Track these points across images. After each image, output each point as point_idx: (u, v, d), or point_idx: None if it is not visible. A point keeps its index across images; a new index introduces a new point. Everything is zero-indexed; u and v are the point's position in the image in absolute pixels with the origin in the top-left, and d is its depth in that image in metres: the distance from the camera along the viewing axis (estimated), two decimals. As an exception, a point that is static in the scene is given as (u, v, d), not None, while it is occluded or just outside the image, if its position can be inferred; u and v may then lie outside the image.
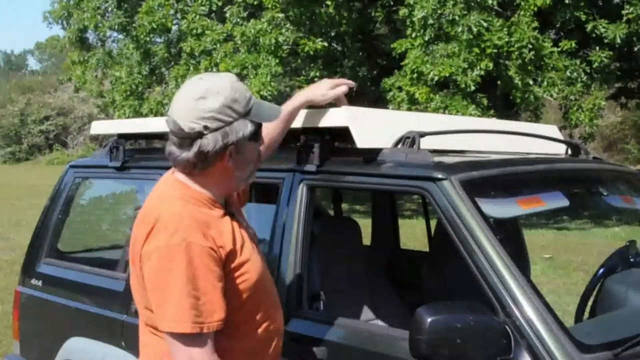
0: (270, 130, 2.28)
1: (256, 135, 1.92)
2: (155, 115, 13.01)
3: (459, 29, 10.46)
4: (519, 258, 2.46)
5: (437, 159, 2.29)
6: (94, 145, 32.33)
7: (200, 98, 1.83)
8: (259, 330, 1.95)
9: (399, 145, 2.36)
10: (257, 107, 1.91)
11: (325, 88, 2.43)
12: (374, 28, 15.44)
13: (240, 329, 1.90)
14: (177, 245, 1.75)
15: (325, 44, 12.60)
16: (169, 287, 1.75)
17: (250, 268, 1.91)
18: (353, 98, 2.89)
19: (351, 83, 2.49)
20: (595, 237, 10.70)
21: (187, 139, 1.83)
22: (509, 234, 2.85)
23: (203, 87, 1.86)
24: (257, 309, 1.94)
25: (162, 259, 1.76)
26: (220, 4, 13.03)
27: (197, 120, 1.82)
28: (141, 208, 1.94)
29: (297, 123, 2.43)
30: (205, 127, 1.82)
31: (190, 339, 1.75)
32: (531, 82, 11.13)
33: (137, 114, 13.53)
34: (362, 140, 2.36)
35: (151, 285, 1.79)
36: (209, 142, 1.82)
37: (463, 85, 10.57)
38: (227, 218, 1.93)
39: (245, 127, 1.86)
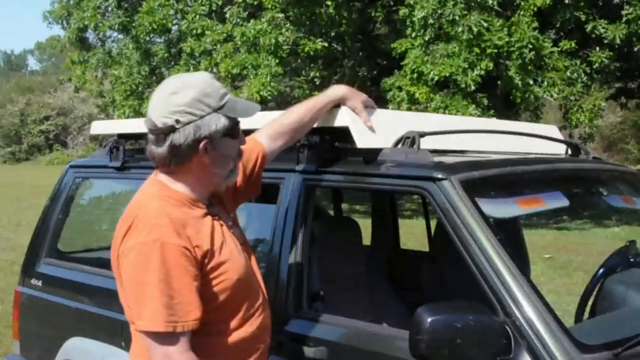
0: (301, 115, 2.33)
1: (232, 131, 1.91)
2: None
3: (459, 29, 10.46)
4: (519, 258, 2.45)
5: (437, 159, 2.29)
6: (94, 145, 32.35)
7: (172, 93, 1.87)
8: (244, 328, 1.96)
9: (399, 145, 2.36)
10: (232, 103, 1.91)
11: (361, 101, 2.42)
12: (374, 28, 15.44)
13: (223, 327, 1.92)
14: (152, 244, 1.77)
15: (326, 44, 12.60)
16: (144, 286, 1.77)
17: (230, 268, 1.91)
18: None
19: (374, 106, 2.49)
20: (595, 237, 10.70)
21: (162, 134, 1.86)
22: (509, 234, 2.85)
23: (176, 83, 1.90)
24: (239, 307, 1.95)
25: (138, 257, 1.78)
26: (220, 4, 13.03)
27: (169, 115, 1.85)
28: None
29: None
30: (177, 121, 1.84)
31: (164, 338, 1.77)
32: (531, 82, 11.13)
33: (137, 114, 13.53)
34: (362, 140, 2.36)
35: (127, 283, 1.81)
36: (181, 136, 1.85)
37: (463, 85, 10.56)
38: (209, 218, 1.93)
39: (218, 121, 1.87)
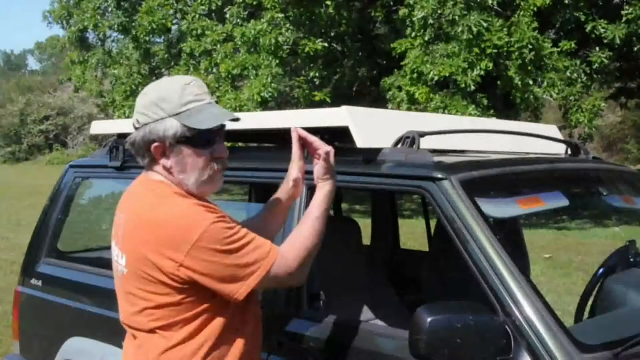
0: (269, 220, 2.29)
1: (192, 140, 1.88)
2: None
3: (459, 29, 10.47)
4: (519, 258, 2.45)
5: (437, 159, 2.29)
6: (94, 145, 32.34)
7: (143, 94, 1.97)
8: (252, 324, 2.00)
9: (399, 145, 2.36)
10: (193, 112, 1.88)
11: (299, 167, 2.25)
12: (374, 28, 15.45)
13: (244, 317, 1.96)
14: (206, 229, 1.81)
15: (326, 44, 12.60)
16: (231, 259, 1.82)
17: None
18: (353, 98, 2.88)
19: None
20: (595, 237, 10.70)
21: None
22: (509, 234, 2.85)
23: (151, 85, 1.99)
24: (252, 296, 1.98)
25: (207, 245, 1.80)
26: (220, 4, 13.03)
27: (136, 114, 1.95)
28: (128, 216, 1.96)
29: (297, 123, 2.43)
30: (137, 121, 1.93)
31: (276, 267, 1.88)
32: (531, 83, 11.14)
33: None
34: (362, 140, 2.36)
35: (215, 270, 1.83)
36: (138, 135, 1.93)
37: (463, 86, 10.57)
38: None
39: (171, 128, 1.87)
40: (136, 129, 1.93)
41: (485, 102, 11.20)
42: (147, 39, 13.97)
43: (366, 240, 3.72)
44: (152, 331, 1.91)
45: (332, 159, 2.08)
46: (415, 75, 10.98)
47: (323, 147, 2.07)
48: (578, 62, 11.57)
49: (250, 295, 1.89)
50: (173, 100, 1.89)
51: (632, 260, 3.04)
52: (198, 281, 1.83)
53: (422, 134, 2.33)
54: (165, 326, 1.89)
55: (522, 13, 11.09)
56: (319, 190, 2.08)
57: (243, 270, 1.84)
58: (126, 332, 2.04)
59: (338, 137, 2.45)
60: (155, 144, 1.89)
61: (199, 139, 1.90)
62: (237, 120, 1.96)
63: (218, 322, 1.90)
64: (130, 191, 2.03)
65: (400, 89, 11.44)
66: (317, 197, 2.07)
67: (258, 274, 1.85)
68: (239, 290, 1.85)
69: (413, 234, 7.25)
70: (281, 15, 12.26)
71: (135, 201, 1.97)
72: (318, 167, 2.08)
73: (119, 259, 1.99)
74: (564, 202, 2.41)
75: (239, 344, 1.94)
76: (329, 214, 2.08)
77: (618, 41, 11.33)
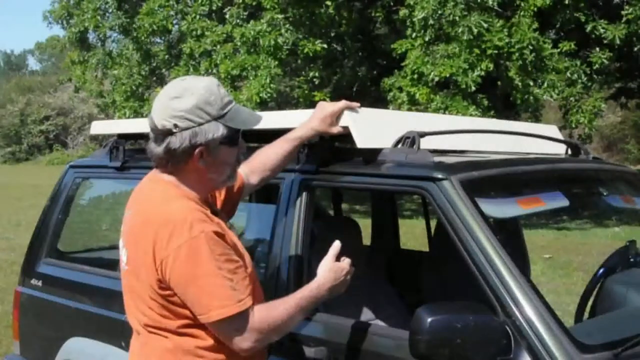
0: (270, 157, 2.32)
1: (231, 139, 1.93)
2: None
3: (459, 30, 10.46)
4: (519, 258, 2.46)
5: (437, 159, 2.29)
6: (94, 145, 32.36)
7: (175, 97, 1.90)
8: None
9: (399, 145, 2.36)
10: (233, 112, 1.93)
11: (331, 117, 2.35)
12: (374, 28, 15.44)
13: None
14: (198, 236, 1.81)
15: (325, 45, 12.59)
16: (204, 277, 1.80)
17: (248, 263, 1.97)
18: (353, 98, 2.88)
19: (354, 104, 2.39)
20: (595, 237, 10.70)
21: (160, 135, 1.90)
22: (509, 234, 2.85)
23: (180, 87, 1.92)
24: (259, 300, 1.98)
25: (190, 252, 1.80)
26: (220, 4, 13.02)
27: (168, 119, 1.88)
28: (134, 212, 1.96)
29: (297, 123, 2.43)
30: (175, 126, 1.88)
31: (236, 318, 1.82)
32: (531, 84, 11.13)
33: (138, 115, 13.53)
34: (362, 140, 2.36)
35: (185, 282, 1.82)
36: (177, 140, 1.88)
37: (464, 86, 10.57)
38: (215, 217, 1.97)
39: (216, 130, 1.89)
40: (171, 134, 1.88)
41: (486, 102, 11.20)
42: (148, 40, 13.96)
43: (366, 240, 3.72)
44: (152, 327, 1.91)
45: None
46: (415, 76, 10.97)
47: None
48: (578, 63, 11.56)
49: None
50: (216, 102, 1.90)
51: (632, 260, 3.04)
52: (169, 286, 1.83)
53: (422, 134, 2.33)
54: (164, 323, 1.89)
55: (522, 13, 11.08)
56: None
57: (208, 299, 1.80)
58: (128, 332, 2.04)
59: (338, 136, 2.45)
60: (200, 148, 1.89)
61: (234, 138, 1.95)
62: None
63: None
64: (139, 188, 2.04)
65: (400, 89, 11.44)
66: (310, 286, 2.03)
67: (223, 311, 1.80)
68: (205, 315, 1.82)
69: (413, 234, 7.25)
70: (281, 16, 12.25)
71: (142, 198, 1.99)
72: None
73: (123, 256, 2.00)
74: (564, 202, 2.41)
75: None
76: (312, 307, 2.03)
77: (618, 41, 11.33)
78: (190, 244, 1.80)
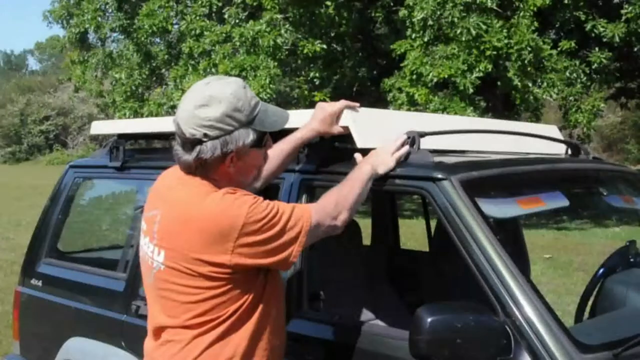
0: (271, 159, 2.26)
1: (260, 141, 1.94)
2: (155, 116, 13.00)
3: (458, 31, 10.46)
4: (519, 258, 2.46)
5: (437, 159, 2.29)
6: (94, 145, 32.39)
7: (202, 105, 1.86)
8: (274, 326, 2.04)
9: (399, 145, 2.35)
10: (262, 114, 1.93)
11: (331, 117, 2.36)
12: (374, 28, 15.44)
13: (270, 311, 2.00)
14: (248, 212, 1.83)
15: (324, 46, 12.58)
16: (276, 230, 1.87)
17: None
18: (353, 98, 2.88)
19: (354, 104, 2.41)
20: (595, 237, 10.71)
21: (188, 143, 1.88)
22: (509, 234, 2.85)
23: (207, 93, 1.88)
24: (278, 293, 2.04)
25: (253, 226, 1.83)
26: (220, 4, 13.02)
27: (197, 128, 1.86)
28: (167, 211, 1.94)
29: (297, 123, 2.43)
30: (205, 135, 1.86)
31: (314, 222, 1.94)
32: (530, 85, 11.13)
33: (138, 115, 13.53)
34: (362, 140, 2.36)
35: (267, 247, 1.86)
36: (208, 149, 1.86)
37: (462, 88, 10.57)
38: None
39: (247, 136, 1.89)
40: (200, 143, 1.86)
41: (483, 104, 11.21)
42: (148, 40, 13.95)
43: (366, 240, 3.72)
44: (188, 327, 1.90)
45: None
46: (414, 77, 10.97)
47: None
48: (577, 62, 11.57)
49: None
50: (245, 108, 1.89)
51: (632, 260, 3.04)
52: (250, 265, 1.86)
53: (422, 134, 2.33)
54: (203, 321, 1.89)
55: (521, 14, 11.08)
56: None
57: (289, 234, 1.89)
58: (128, 332, 2.03)
59: (338, 136, 2.45)
60: (231, 154, 1.89)
61: (262, 139, 1.96)
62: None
63: (252, 320, 1.92)
64: (165, 186, 2.01)
65: (400, 90, 11.44)
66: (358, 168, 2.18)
67: (304, 229, 1.90)
68: (292, 252, 1.90)
69: (413, 234, 7.25)
70: (280, 16, 12.25)
71: (174, 197, 1.95)
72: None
73: (155, 255, 1.95)
74: (564, 202, 2.41)
75: (271, 339, 1.98)
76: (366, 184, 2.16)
77: (617, 40, 11.33)
78: (247, 222, 1.82)
